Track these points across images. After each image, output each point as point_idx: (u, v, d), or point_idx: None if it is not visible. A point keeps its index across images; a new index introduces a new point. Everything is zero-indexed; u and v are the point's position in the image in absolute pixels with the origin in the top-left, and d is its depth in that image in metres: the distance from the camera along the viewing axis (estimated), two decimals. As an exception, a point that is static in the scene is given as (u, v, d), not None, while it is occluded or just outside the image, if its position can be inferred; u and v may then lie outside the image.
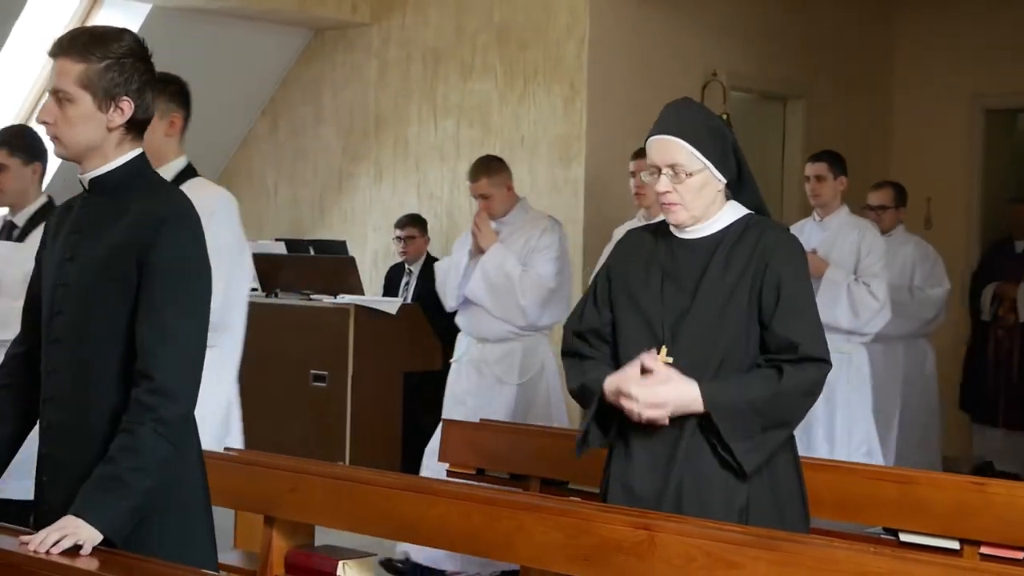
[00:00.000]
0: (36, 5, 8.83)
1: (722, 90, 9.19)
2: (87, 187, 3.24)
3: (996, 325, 9.38)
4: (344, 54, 9.77)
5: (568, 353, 3.80)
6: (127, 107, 3.14)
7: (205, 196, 4.24)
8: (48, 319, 3.20)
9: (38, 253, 3.36)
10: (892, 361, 7.78)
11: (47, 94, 3.20)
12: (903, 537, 4.24)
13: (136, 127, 3.20)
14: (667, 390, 3.50)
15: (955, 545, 4.15)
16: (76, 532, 2.94)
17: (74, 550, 2.94)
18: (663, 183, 3.58)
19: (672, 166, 3.57)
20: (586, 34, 8.46)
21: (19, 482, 3.79)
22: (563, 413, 6.75)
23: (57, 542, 2.93)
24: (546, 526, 3.55)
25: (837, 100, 10.22)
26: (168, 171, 4.56)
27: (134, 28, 8.67)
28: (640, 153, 6.49)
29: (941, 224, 10.07)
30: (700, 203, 3.59)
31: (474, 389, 6.66)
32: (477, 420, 6.34)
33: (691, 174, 3.56)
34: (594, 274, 6.62)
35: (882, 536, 4.35)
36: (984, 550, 4.09)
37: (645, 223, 6.37)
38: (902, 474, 4.47)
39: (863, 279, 6.69)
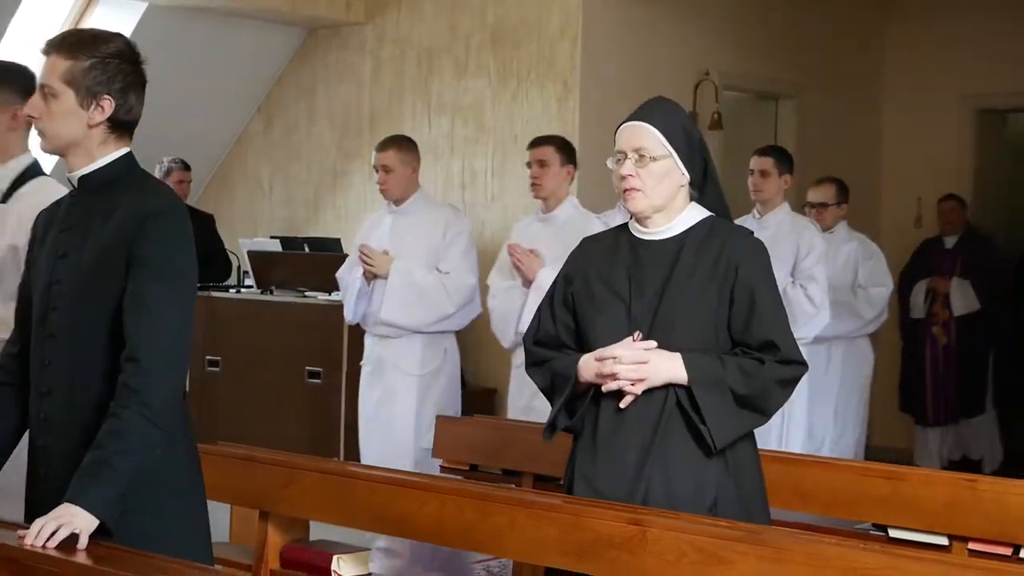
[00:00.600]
0: (31, 3, 8.84)
1: (714, 89, 9.21)
2: (75, 185, 3.31)
3: (930, 322, 9.43)
4: (338, 52, 9.77)
5: (533, 363, 3.81)
6: (108, 106, 3.22)
7: (48, 198, 4.00)
8: (42, 315, 3.26)
9: (28, 253, 3.42)
10: (832, 362, 7.59)
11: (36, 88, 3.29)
12: (892, 533, 4.25)
13: (120, 127, 3.27)
14: (652, 354, 3.53)
15: (944, 541, 4.16)
16: (72, 521, 2.98)
17: (71, 539, 2.96)
18: (627, 166, 3.60)
19: (638, 150, 3.59)
20: (579, 33, 8.47)
21: None
22: (457, 404, 6.54)
23: (54, 533, 2.96)
24: (539, 521, 3.56)
25: (828, 100, 10.23)
26: (11, 169, 4.37)
27: (129, 27, 8.70)
28: (535, 143, 6.35)
29: (931, 223, 10.08)
30: (660, 192, 3.60)
31: (379, 385, 6.43)
32: (383, 416, 6.31)
33: (655, 159, 3.58)
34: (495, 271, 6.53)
35: (871, 532, 4.36)
36: (973, 546, 4.10)
37: (540, 216, 6.29)
38: (892, 471, 4.47)
39: (800, 281, 6.50)
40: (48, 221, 3.36)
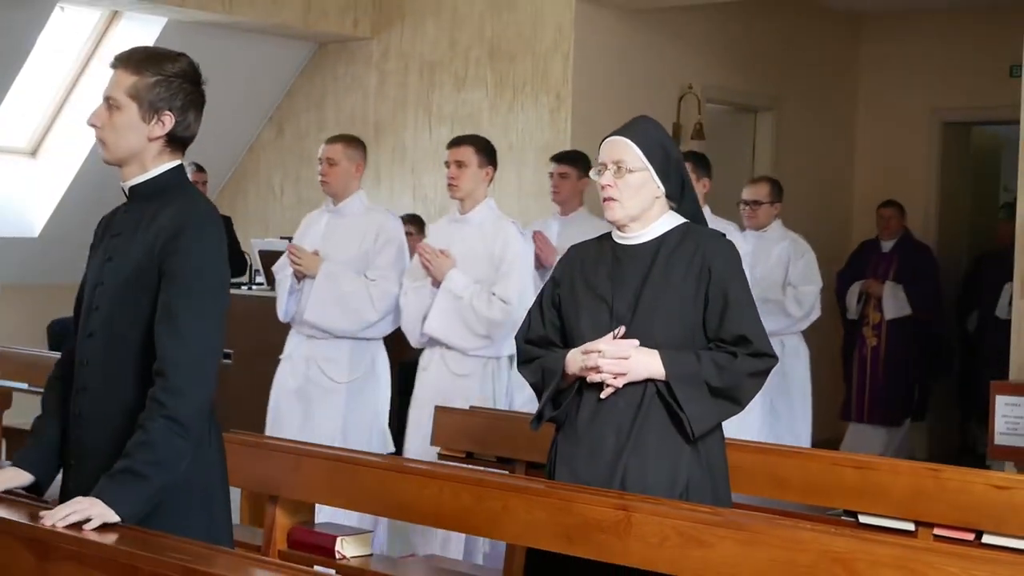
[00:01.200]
0: (59, 17, 8.81)
1: (697, 102, 9.20)
2: (127, 194, 3.27)
3: (862, 323, 9.22)
4: (346, 66, 9.75)
5: (524, 361, 3.82)
6: (168, 121, 3.18)
7: None
8: (86, 315, 3.23)
9: (88, 258, 3.38)
10: None
11: (101, 100, 3.24)
12: (862, 519, 4.24)
13: (176, 142, 3.23)
14: (633, 350, 3.55)
15: (910, 527, 4.15)
16: (86, 509, 2.95)
17: (82, 523, 2.94)
18: (606, 177, 3.65)
19: (617, 162, 3.64)
20: (571, 49, 8.46)
21: None
22: (384, 419, 6.17)
23: (67, 516, 2.94)
24: (531, 506, 3.55)
25: (804, 112, 10.24)
26: None
27: (150, 40, 8.67)
28: (454, 143, 5.93)
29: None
30: (636, 202, 3.64)
31: (302, 388, 6.06)
32: (304, 420, 5.99)
33: (632, 171, 3.62)
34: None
35: (843, 518, 4.35)
36: (937, 531, 4.09)
37: (456, 216, 5.88)
38: (862, 460, 4.47)
39: None
40: (106, 227, 3.33)
